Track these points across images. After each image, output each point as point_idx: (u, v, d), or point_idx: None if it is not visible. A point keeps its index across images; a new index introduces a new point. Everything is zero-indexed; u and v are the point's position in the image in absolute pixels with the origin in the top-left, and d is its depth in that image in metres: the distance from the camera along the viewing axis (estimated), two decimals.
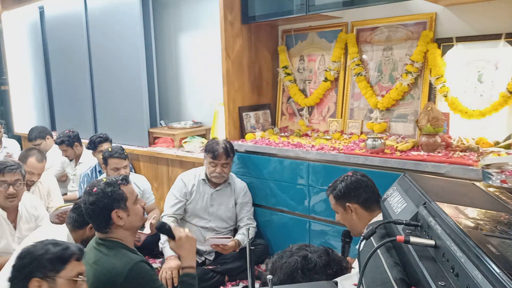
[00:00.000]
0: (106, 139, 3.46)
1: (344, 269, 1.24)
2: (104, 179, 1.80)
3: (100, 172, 3.42)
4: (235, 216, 2.92)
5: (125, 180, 1.84)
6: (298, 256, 1.16)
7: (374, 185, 1.92)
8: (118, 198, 1.76)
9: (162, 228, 1.79)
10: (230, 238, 2.74)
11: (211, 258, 2.82)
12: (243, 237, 2.78)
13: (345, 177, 1.91)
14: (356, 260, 1.80)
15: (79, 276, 1.49)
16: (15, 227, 2.50)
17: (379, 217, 1.83)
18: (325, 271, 1.16)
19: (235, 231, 2.97)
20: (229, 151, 2.77)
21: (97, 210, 1.73)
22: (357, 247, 1.85)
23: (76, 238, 2.08)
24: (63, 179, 3.94)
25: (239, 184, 2.93)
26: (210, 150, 2.76)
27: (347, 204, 1.87)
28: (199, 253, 2.80)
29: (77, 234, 2.08)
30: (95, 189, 1.75)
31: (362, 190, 1.86)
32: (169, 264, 2.56)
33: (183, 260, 1.79)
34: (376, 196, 1.89)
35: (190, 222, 2.89)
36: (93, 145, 3.44)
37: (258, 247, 2.84)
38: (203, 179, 2.87)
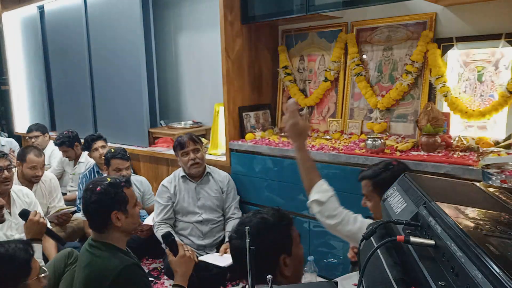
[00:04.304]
0: (100, 137, 3.46)
1: (291, 221, 1.47)
2: (108, 179, 1.79)
3: (98, 173, 3.41)
4: (223, 203, 2.97)
5: (128, 182, 1.84)
6: (257, 219, 1.41)
7: None
8: (120, 200, 1.75)
9: (168, 238, 1.78)
10: (221, 256, 2.70)
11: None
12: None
13: (390, 166, 1.80)
14: None
15: (41, 271, 1.48)
16: (10, 213, 2.54)
17: None
18: (280, 224, 1.42)
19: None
20: (195, 138, 2.89)
21: (98, 209, 1.73)
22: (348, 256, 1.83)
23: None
24: (58, 176, 3.94)
25: (222, 173, 2.99)
26: (178, 144, 2.88)
27: None
28: (199, 249, 2.84)
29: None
30: (98, 188, 1.74)
31: None
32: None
33: (177, 277, 1.78)
34: None
35: (183, 221, 2.90)
36: (87, 144, 3.44)
37: None
38: (183, 176, 2.92)
